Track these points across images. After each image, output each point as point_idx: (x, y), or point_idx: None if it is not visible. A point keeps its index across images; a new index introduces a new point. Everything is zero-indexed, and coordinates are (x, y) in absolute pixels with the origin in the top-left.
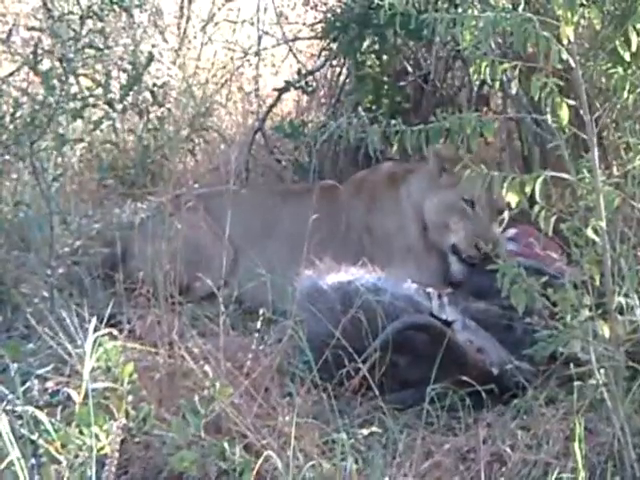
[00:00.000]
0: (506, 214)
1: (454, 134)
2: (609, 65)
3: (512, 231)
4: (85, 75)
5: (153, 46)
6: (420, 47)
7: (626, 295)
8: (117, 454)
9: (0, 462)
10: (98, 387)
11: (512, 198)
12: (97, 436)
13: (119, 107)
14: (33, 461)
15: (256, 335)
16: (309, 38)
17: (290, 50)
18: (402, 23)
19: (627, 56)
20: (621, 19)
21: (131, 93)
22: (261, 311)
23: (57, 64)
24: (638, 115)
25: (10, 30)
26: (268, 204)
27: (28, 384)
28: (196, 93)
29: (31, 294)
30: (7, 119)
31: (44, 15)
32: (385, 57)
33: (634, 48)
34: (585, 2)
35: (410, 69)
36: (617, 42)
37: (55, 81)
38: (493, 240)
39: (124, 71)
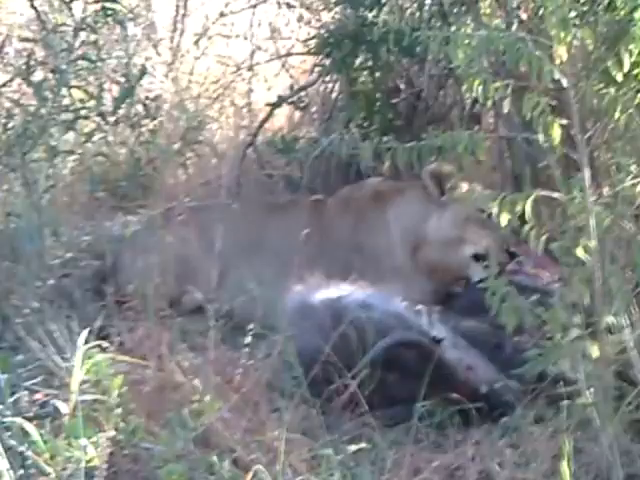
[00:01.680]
0: None
1: (446, 152)
2: (601, 85)
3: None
4: (78, 87)
5: (146, 59)
6: (413, 65)
7: (615, 315)
8: (106, 466)
9: None
10: (87, 399)
11: (503, 217)
12: (86, 448)
13: (111, 119)
14: (21, 472)
15: (245, 350)
16: (302, 54)
17: (283, 65)
18: (395, 40)
19: (619, 77)
20: (613, 40)
21: (123, 106)
22: (250, 326)
23: (50, 75)
24: (629, 136)
25: (3, 41)
26: (257, 218)
27: (17, 395)
28: (188, 107)
29: (21, 305)
30: None
31: (38, 27)
32: (378, 74)
33: (626, 69)
34: (578, 23)
35: (402, 86)
36: (609, 63)
37: (47, 92)
38: (514, 250)
39: (117, 84)
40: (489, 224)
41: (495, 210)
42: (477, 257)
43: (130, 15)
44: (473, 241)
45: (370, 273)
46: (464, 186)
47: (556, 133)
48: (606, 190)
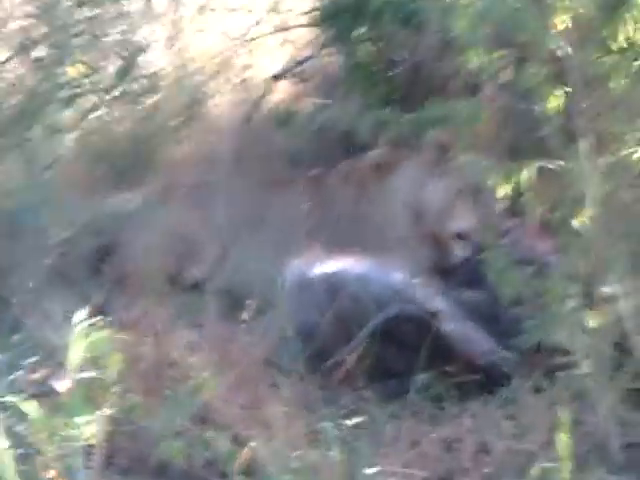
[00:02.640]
0: None
1: (445, 123)
2: (600, 54)
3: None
4: (81, 62)
5: (147, 34)
6: (412, 36)
7: (612, 285)
8: (103, 444)
9: None
10: (85, 377)
11: (502, 187)
12: (84, 427)
13: (112, 95)
14: (21, 451)
15: (243, 326)
16: (302, 26)
17: (283, 39)
18: (394, 11)
19: (618, 44)
20: (612, 8)
21: (124, 81)
22: (249, 301)
23: (50, 51)
24: (628, 105)
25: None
26: (256, 194)
27: (15, 375)
28: (188, 82)
29: (19, 284)
30: None
31: (39, 2)
32: (378, 46)
33: (624, 37)
34: None
35: (402, 58)
36: (607, 31)
37: (48, 69)
38: (502, 228)
39: (122, 58)
40: (481, 199)
41: (494, 180)
42: (460, 235)
43: None
44: (461, 217)
45: (371, 245)
46: (463, 157)
47: (555, 102)
48: (605, 159)
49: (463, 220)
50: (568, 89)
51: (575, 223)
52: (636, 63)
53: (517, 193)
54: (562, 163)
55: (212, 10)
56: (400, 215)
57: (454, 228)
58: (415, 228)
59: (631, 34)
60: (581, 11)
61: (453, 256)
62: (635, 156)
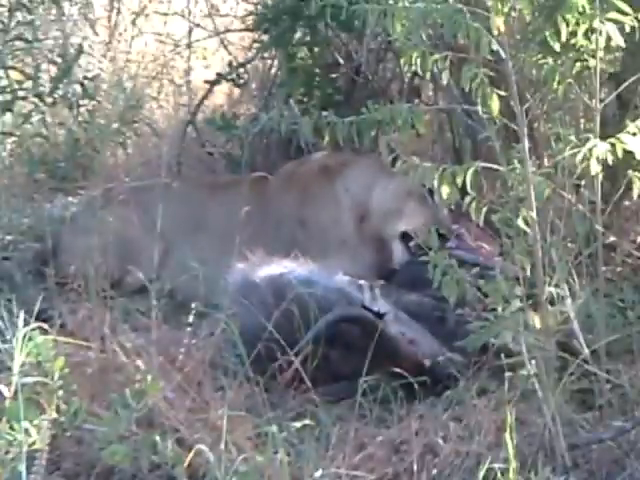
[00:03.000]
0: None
1: (385, 126)
2: (539, 56)
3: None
4: (14, 68)
5: (83, 39)
6: (351, 39)
7: (557, 286)
8: (48, 449)
9: None
10: (28, 382)
11: (444, 189)
12: (28, 431)
13: (49, 100)
14: None
15: (188, 329)
16: (240, 30)
17: (221, 42)
18: (333, 14)
19: (557, 47)
20: (551, 10)
21: (61, 86)
22: (193, 304)
23: None
24: (568, 106)
25: None
26: (198, 197)
27: None
28: (127, 86)
29: None
30: None
31: None
32: (316, 49)
33: (564, 39)
34: None
35: (342, 61)
36: (547, 33)
37: None
38: (449, 229)
39: (54, 64)
40: (426, 202)
41: (436, 183)
42: (404, 236)
43: None
44: (409, 218)
45: (315, 248)
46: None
47: (495, 104)
48: (546, 161)
49: (407, 222)
50: (507, 92)
51: (518, 223)
52: (577, 65)
53: (462, 195)
54: (504, 165)
55: (148, 15)
56: (345, 217)
57: (398, 230)
58: (360, 231)
59: (570, 35)
60: (520, 13)
61: (397, 258)
62: (577, 157)
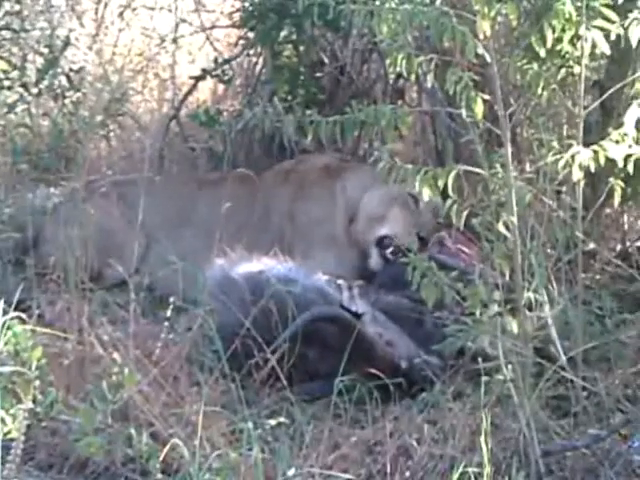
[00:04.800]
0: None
1: (369, 126)
2: (524, 61)
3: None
4: (1, 57)
5: (70, 30)
6: (337, 38)
7: (535, 291)
8: (23, 439)
9: None
10: (5, 371)
11: (425, 192)
12: (3, 420)
13: (34, 91)
14: None
15: (166, 323)
16: (227, 27)
17: (207, 38)
18: (320, 14)
19: (542, 52)
20: (537, 16)
21: (47, 77)
22: (172, 299)
23: None
24: (552, 112)
25: None
26: (183, 192)
27: None
28: (112, 79)
29: None
30: None
31: None
32: (302, 47)
33: (549, 45)
34: None
35: (327, 60)
36: (533, 38)
37: None
38: (431, 233)
39: (41, 54)
40: (409, 208)
41: (417, 185)
42: (381, 242)
43: None
44: (391, 223)
45: (301, 243)
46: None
47: (479, 108)
48: (528, 166)
49: (389, 227)
50: (491, 96)
51: (499, 228)
52: (562, 71)
53: (444, 198)
54: (486, 169)
55: (135, 9)
56: (339, 216)
57: (379, 232)
58: (343, 232)
59: (556, 41)
60: (506, 18)
61: (372, 263)
62: (560, 164)
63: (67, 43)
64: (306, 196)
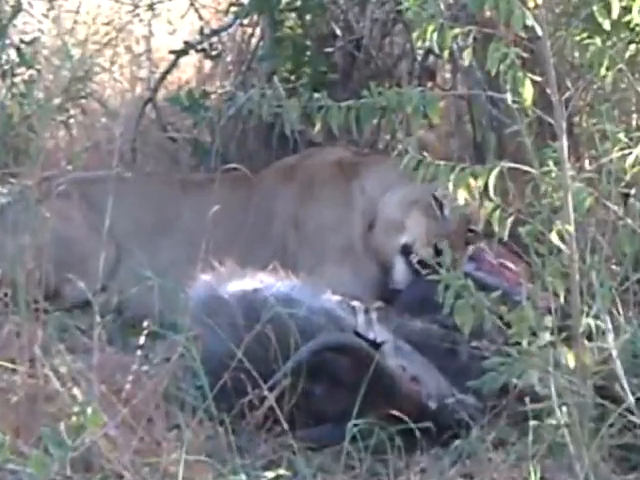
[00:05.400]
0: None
1: (391, 113)
2: (584, 35)
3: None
4: None
5: None
6: (352, 5)
7: (596, 317)
8: None
9: None
10: None
11: (461, 194)
12: None
13: None
14: None
15: (139, 352)
16: None
17: (192, 4)
18: None
19: (607, 24)
20: None
21: None
22: (146, 323)
23: None
24: (617, 98)
25: None
26: (163, 195)
27: None
28: (73, 53)
29: None
30: None
31: None
32: (308, 16)
33: (615, 15)
34: None
35: (339, 32)
36: (595, 7)
37: None
38: (456, 247)
39: None
40: (433, 214)
41: (450, 186)
42: (404, 249)
43: None
44: (411, 231)
45: (309, 255)
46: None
47: (528, 92)
48: (588, 163)
49: (408, 235)
50: (543, 77)
51: (552, 239)
52: (630, 47)
53: (481, 201)
54: (536, 167)
55: None
56: (356, 222)
57: (399, 244)
58: (367, 240)
59: (623, 11)
60: None
61: (398, 277)
62: (627, 160)
63: (18, 9)
64: (315, 198)
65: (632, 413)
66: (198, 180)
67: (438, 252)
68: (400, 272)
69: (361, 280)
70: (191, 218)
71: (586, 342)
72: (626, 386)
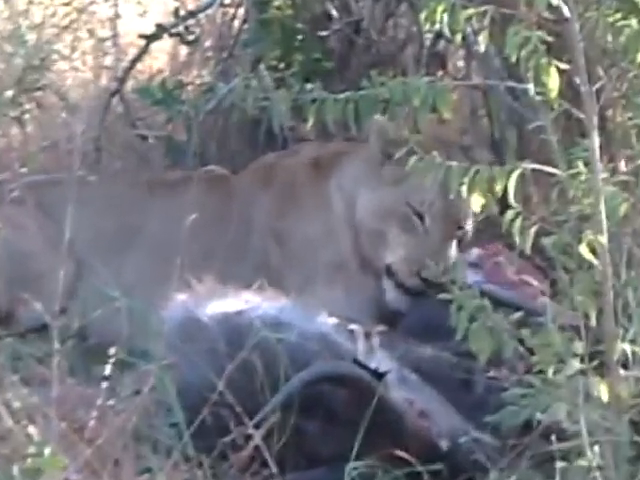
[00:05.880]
0: (468, 228)
1: (395, 107)
2: (618, 16)
3: (475, 252)
4: None
5: None
6: None
7: (633, 341)
8: None
9: None
10: None
11: (476, 200)
12: None
13: None
14: None
15: (104, 384)
16: None
17: None
18: None
19: None
20: None
21: None
22: (112, 350)
23: None
24: None
25: None
26: (129, 199)
27: None
28: (28, 38)
29: None
30: None
31: None
32: None
33: None
34: None
35: (335, 13)
36: None
37: None
38: (445, 266)
39: None
40: (412, 228)
41: (464, 189)
42: (390, 270)
43: None
44: (393, 251)
45: (295, 272)
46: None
47: (553, 82)
48: (623, 164)
49: (394, 253)
50: (570, 65)
51: (582, 251)
52: None
53: (502, 209)
54: (563, 168)
55: None
56: (341, 229)
57: (385, 260)
58: (351, 251)
59: None
60: None
61: (394, 294)
62: None
63: None
64: (296, 206)
65: None
66: (169, 180)
67: (423, 279)
68: (391, 293)
69: (356, 299)
70: (161, 226)
71: (621, 371)
72: None
